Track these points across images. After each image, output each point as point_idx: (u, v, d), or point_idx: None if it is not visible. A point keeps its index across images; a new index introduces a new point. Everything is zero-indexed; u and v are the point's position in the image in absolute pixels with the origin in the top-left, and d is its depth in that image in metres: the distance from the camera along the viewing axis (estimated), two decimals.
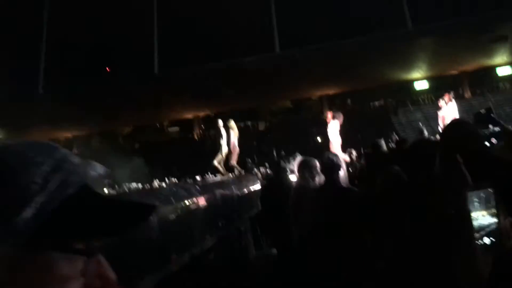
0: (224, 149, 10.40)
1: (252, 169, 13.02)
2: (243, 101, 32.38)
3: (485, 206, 2.68)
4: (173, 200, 4.09)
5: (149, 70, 26.80)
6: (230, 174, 10.76)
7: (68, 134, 37.00)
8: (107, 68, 29.92)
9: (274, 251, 7.05)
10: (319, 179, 4.05)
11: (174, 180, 16.96)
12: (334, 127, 11.19)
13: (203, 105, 32.50)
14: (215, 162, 10.49)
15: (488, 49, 26.38)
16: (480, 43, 24.96)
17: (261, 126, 34.71)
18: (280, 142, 28.23)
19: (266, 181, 8.34)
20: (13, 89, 25.55)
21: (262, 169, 15.39)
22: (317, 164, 4.21)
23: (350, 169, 7.90)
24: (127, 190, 16.15)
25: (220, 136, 10.11)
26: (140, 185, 17.22)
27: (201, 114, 35.88)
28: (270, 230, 7.23)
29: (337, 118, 11.23)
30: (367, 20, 24.41)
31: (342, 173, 4.24)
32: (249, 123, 36.92)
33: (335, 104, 37.90)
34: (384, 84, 32.87)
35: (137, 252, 3.11)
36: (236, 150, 10.65)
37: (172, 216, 3.80)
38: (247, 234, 6.86)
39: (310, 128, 31.54)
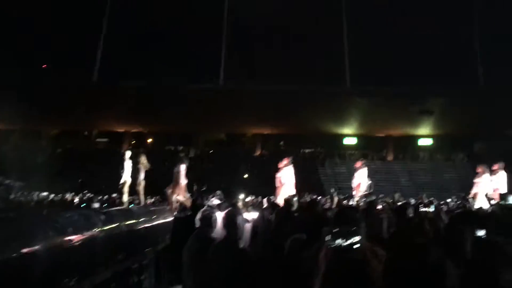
0: (126, 180, 10.14)
1: (168, 200, 12.79)
2: (179, 124, 32.20)
3: None
4: (70, 231, 3.98)
5: (88, 78, 26.06)
6: (140, 203, 10.55)
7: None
8: (43, 66, 28.84)
9: None
10: (220, 232, 4.09)
11: (88, 195, 16.28)
12: None
13: (136, 121, 31.89)
14: (124, 196, 10.21)
15: (415, 119, 28.36)
16: (408, 112, 26.79)
17: (192, 153, 34.45)
18: (208, 172, 28.15)
19: (178, 216, 8.24)
20: None
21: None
22: (217, 217, 4.28)
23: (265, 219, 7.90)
24: (35, 199, 15.30)
25: (122, 168, 9.92)
26: (52, 196, 16.36)
27: (133, 129, 35.10)
28: (175, 266, 7.10)
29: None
30: (311, 71, 25.40)
31: (247, 228, 4.32)
32: (180, 148, 36.55)
33: (268, 144, 38.70)
34: (317, 133, 34.11)
35: (12, 284, 2.98)
36: (142, 184, 10.40)
37: (63, 248, 3.68)
38: (149, 268, 6.72)
39: (240, 163, 31.81)
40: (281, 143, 41.47)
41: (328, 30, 26.44)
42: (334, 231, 1.64)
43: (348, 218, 2.20)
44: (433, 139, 33.54)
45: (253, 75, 25.62)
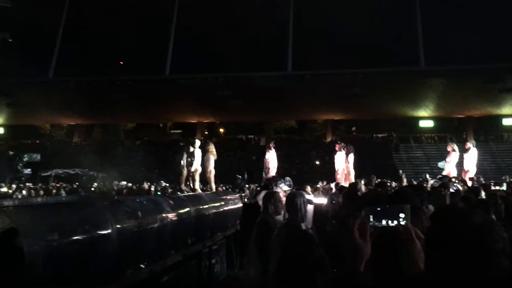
0: (196, 168, 10.31)
1: (242, 186, 13.02)
2: (249, 114, 32.55)
3: None
4: (139, 214, 4.18)
5: (161, 72, 27.02)
6: (210, 189, 10.77)
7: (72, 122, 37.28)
8: (121, 62, 30.31)
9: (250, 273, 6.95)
10: (285, 213, 4.10)
11: (164, 184, 16.99)
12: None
13: (208, 112, 32.66)
14: (195, 184, 10.39)
15: (496, 98, 26.43)
16: (488, 91, 25.01)
17: (263, 142, 34.76)
18: (279, 159, 28.26)
19: (248, 201, 8.37)
20: None
21: (252, 186, 15.42)
22: (283, 198, 4.27)
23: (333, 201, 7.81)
24: (115, 189, 16.26)
25: (193, 156, 10.08)
26: (129, 184, 17.30)
27: (205, 120, 36.02)
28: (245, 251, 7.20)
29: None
30: (381, 54, 24.47)
31: (310, 209, 4.28)
32: (251, 137, 37.07)
33: (339, 129, 38.08)
34: (389, 118, 33.01)
35: (88, 264, 3.19)
36: (212, 172, 10.50)
37: (134, 231, 3.87)
38: (219, 252, 6.90)
39: (310, 150, 31.64)
40: (353, 128, 40.75)
41: (400, 10, 25.32)
42: (376, 210, 1.55)
43: (403, 197, 2.10)
44: None
45: (320, 60, 25.15)
